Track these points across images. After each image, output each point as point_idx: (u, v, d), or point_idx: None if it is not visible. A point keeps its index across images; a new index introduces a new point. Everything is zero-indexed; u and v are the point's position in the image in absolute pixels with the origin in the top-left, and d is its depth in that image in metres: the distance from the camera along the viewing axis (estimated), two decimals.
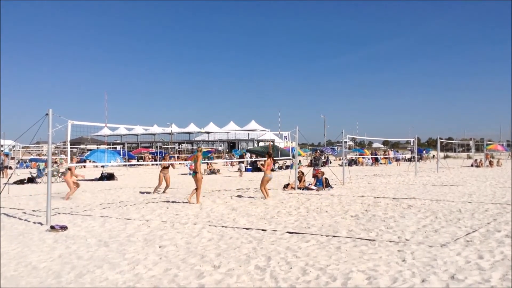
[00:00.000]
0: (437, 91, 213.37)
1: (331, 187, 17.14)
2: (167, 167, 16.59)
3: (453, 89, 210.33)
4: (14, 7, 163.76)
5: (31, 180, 22.83)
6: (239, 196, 14.61)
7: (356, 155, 45.27)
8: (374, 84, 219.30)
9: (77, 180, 15.53)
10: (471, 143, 44.47)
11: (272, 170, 15.78)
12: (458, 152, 67.92)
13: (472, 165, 36.61)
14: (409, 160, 45.86)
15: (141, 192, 16.57)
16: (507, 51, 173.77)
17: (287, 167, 32.48)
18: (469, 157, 51.63)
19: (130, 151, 58.29)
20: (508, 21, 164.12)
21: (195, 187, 12.86)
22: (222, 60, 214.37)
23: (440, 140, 33.44)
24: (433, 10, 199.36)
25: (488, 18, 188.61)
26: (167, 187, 16.41)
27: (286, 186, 17.35)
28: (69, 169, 14.67)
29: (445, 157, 34.13)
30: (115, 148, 68.22)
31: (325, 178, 17.17)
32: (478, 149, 54.39)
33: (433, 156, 39.80)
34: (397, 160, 44.47)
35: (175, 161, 28.10)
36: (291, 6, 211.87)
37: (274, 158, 20.68)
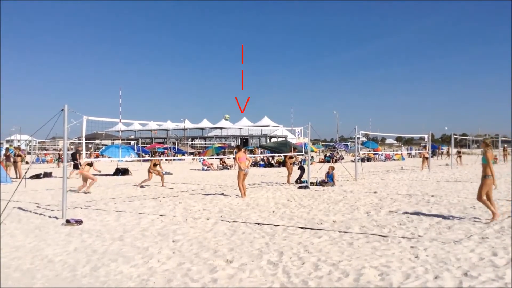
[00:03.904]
0: (452, 87, 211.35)
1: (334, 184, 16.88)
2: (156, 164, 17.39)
3: (469, 86, 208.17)
4: (33, 4, 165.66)
5: (47, 174, 23.14)
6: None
7: (369, 150, 44.78)
8: (388, 80, 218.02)
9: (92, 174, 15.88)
10: None
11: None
12: (473, 148, 67.25)
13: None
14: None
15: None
16: None
17: (299, 162, 32.49)
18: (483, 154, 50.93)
19: (144, 146, 58.63)
20: None
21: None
22: (235, 57, 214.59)
23: (454, 136, 33.07)
24: (453, 5, 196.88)
25: (505, 15, 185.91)
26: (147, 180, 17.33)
27: (298, 181, 17.39)
28: (89, 164, 15.36)
29: (458, 153, 33.65)
30: (129, 143, 68.80)
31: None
32: (493, 145, 53.64)
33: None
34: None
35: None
36: (304, 2, 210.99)
37: (288, 154, 20.73)
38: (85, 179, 15.14)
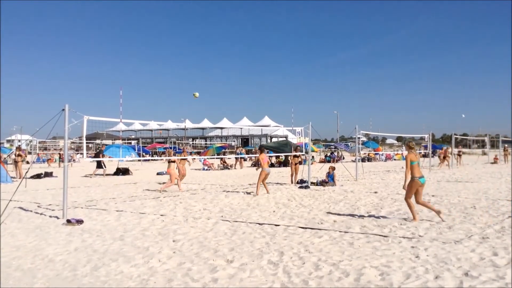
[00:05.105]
0: (452, 87, 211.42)
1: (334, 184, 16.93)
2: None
3: (469, 86, 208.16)
4: (33, 4, 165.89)
5: (48, 174, 23.15)
6: (249, 193, 14.64)
7: (370, 150, 44.78)
8: (388, 80, 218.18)
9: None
10: (486, 139, 43.69)
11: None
12: (473, 148, 67.23)
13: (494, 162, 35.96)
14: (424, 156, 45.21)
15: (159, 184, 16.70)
16: None
17: (300, 162, 32.41)
18: (484, 153, 50.91)
19: (145, 146, 58.72)
20: None
21: None
22: (235, 56, 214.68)
23: (455, 136, 33.06)
24: (454, 5, 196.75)
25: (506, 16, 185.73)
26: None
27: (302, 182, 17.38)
28: (173, 161, 15.22)
29: (458, 152, 33.64)
30: (130, 143, 68.87)
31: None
32: (493, 145, 53.59)
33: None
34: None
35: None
36: (304, 2, 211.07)
37: (289, 154, 20.74)
38: (172, 176, 15.08)
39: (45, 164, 37.64)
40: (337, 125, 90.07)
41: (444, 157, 28.73)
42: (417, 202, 8.85)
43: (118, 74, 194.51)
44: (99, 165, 23.45)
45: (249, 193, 14.05)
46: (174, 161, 15.21)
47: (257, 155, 17.34)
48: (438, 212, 8.73)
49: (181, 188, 15.15)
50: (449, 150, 29.94)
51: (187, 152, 23.22)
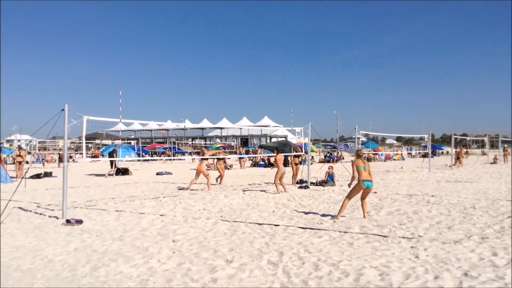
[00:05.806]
0: (452, 87, 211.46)
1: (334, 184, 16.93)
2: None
3: (469, 86, 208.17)
4: (33, 4, 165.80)
5: (47, 174, 23.12)
6: (251, 191, 14.63)
7: (370, 150, 44.73)
8: (388, 80, 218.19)
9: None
10: (486, 139, 43.65)
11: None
12: (473, 148, 67.25)
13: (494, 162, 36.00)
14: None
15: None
16: None
17: (300, 162, 32.36)
18: (483, 154, 50.90)
19: (144, 146, 58.70)
20: None
21: None
22: (235, 56, 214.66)
23: (454, 136, 33.07)
24: (453, 4, 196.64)
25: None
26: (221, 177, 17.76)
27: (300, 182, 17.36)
28: (205, 159, 15.69)
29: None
30: (130, 143, 68.84)
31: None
32: (493, 145, 53.58)
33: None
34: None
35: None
36: (304, 2, 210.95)
37: (288, 154, 20.71)
38: (198, 174, 15.28)
39: (40, 164, 37.49)
40: (337, 125, 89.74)
41: (458, 157, 29.02)
42: (362, 199, 9.39)
43: (118, 74, 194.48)
44: (113, 164, 23.68)
45: (244, 190, 14.05)
46: (206, 159, 15.50)
47: (257, 155, 17.35)
48: (365, 214, 9.27)
49: (209, 188, 15.16)
50: (463, 150, 30.48)
51: (223, 151, 23.49)
